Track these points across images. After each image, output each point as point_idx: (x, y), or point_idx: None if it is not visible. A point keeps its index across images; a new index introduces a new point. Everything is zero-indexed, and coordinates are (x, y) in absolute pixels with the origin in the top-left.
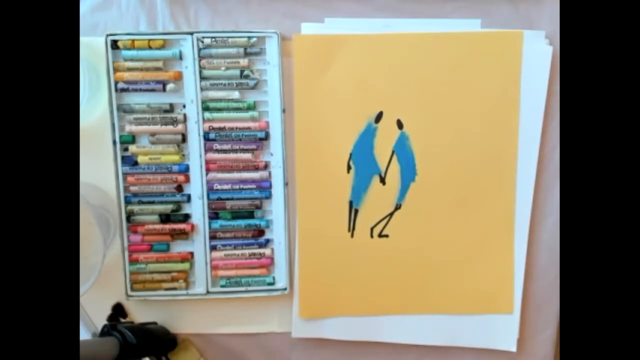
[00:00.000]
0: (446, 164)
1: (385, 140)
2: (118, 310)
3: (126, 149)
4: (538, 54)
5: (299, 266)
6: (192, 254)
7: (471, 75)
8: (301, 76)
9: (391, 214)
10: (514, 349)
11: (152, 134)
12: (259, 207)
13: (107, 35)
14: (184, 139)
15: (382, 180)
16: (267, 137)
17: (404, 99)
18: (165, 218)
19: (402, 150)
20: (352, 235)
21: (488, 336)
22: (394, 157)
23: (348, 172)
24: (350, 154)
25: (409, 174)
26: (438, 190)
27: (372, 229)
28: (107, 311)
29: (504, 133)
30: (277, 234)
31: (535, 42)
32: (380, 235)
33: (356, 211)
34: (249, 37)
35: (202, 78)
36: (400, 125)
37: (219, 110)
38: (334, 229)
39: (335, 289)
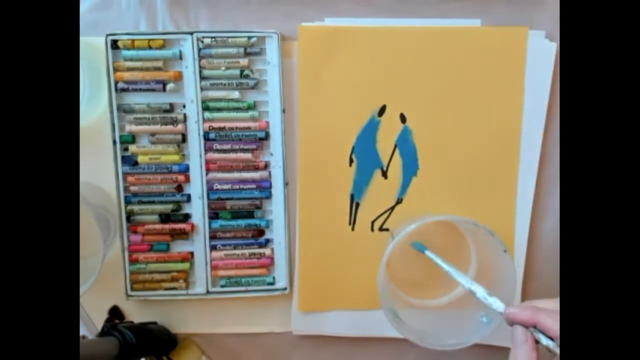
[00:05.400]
0: (448, 159)
1: (388, 134)
2: (115, 313)
3: (126, 149)
4: (541, 51)
5: (299, 259)
6: (192, 254)
7: (475, 70)
8: (305, 67)
9: (392, 208)
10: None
11: (152, 134)
12: (259, 207)
13: (107, 35)
14: (184, 139)
15: (384, 174)
16: (267, 137)
17: (407, 93)
18: (165, 218)
19: (405, 144)
20: (352, 229)
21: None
22: (396, 151)
23: (350, 165)
24: (353, 147)
25: (410, 168)
26: (439, 186)
27: (372, 223)
28: (107, 311)
29: (506, 129)
30: (277, 234)
31: (535, 42)
32: (381, 229)
33: (357, 205)
34: (249, 37)
35: (202, 78)
36: (403, 119)
37: (219, 110)
38: (335, 222)
39: (335, 283)
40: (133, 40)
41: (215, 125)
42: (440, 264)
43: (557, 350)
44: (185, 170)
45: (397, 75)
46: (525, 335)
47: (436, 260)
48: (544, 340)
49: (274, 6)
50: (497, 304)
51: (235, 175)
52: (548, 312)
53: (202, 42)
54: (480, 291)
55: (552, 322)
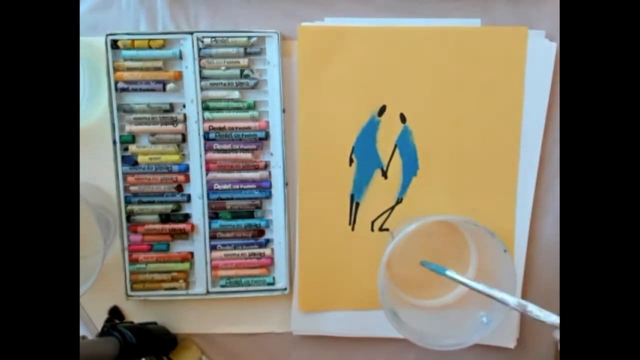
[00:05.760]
0: (448, 159)
1: (388, 134)
2: (115, 313)
3: (126, 149)
4: (541, 51)
5: (299, 259)
6: (192, 254)
7: (475, 70)
8: (305, 67)
9: (392, 208)
10: (512, 345)
11: (152, 134)
12: (259, 207)
13: (107, 35)
14: (184, 138)
15: (384, 174)
16: (267, 137)
17: (407, 92)
18: (165, 218)
19: (405, 144)
20: (352, 229)
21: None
22: (396, 151)
23: (350, 165)
24: (353, 147)
25: (410, 168)
26: (439, 186)
27: (372, 223)
28: (107, 311)
29: (506, 129)
30: (277, 234)
31: (535, 42)
32: (381, 229)
33: (357, 205)
34: (249, 37)
35: (202, 78)
36: (403, 119)
37: (219, 110)
38: (335, 222)
39: (335, 283)
40: (133, 40)
41: (215, 125)
42: (471, 285)
43: None
44: (185, 170)
45: (397, 75)
46: None
47: (464, 280)
48: None
49: (273, 6)
50: (553, 318)
51: (235, 175)
52: None
53: (202, 42)
54: (532, 306)
55: None
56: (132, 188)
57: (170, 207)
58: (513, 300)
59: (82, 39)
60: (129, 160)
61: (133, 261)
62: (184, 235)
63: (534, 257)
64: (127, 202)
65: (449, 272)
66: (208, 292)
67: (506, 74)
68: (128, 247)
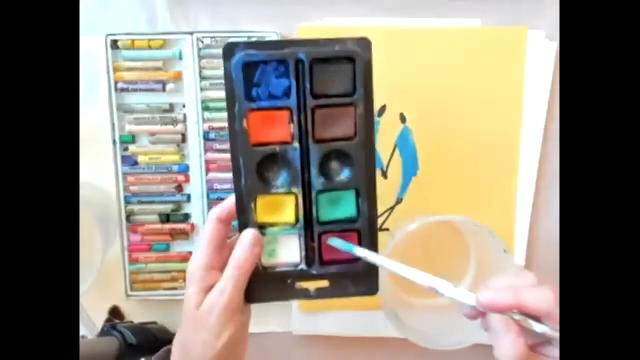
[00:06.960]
0: (448, 159)
1: (388, 134)
2: (115, 313)
3: (126, 149)
4: (541, 51)
5: None
6: (192, 254)
7: (475, 70)
8: None
9: (392, 208)
10: None
11: (152, 134)
12: None
13: (107, 35)
14: (184, 139)
15: (384, 174)
16: None
17: (407, 93)
18: (165, 218)
19: (405, 145)
20: None
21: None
22: (396, 151)
23: None
24: None
25: (410, 168)
26: (439, 186)
27: None
28: (107, 311)
29: (506, 129)
30: None
31: (535, 42)
32: (381, 229)
33: None
34: (249, 37)
35: (202, 78)
36: (403, 119)
37: (219, 110)
38: None
39: None
40: (133, 41)
41: (215, 125)
42: (382, 263)
43: (556, 334)
44: (185, 171)
45: (397, 75)
46: (506, 321)
47: (374, 258)
48: (538, 327)
49: (274, 6)
50: (467, 296)
51: None
52: (529, 288)
53: (202, 42)
54: (443, 286)
55: (539, 299)
56: (132, 188)
57: (170, 207)
58: (425, 280)
59: (82, 39)
60: (129, 160)
61: (133, 261)
62: (184, 235)
63: (534, 257)
64: (127, 202)
65: (357, 250)
66: None
67: (506, 74)
68: (128, 247)
